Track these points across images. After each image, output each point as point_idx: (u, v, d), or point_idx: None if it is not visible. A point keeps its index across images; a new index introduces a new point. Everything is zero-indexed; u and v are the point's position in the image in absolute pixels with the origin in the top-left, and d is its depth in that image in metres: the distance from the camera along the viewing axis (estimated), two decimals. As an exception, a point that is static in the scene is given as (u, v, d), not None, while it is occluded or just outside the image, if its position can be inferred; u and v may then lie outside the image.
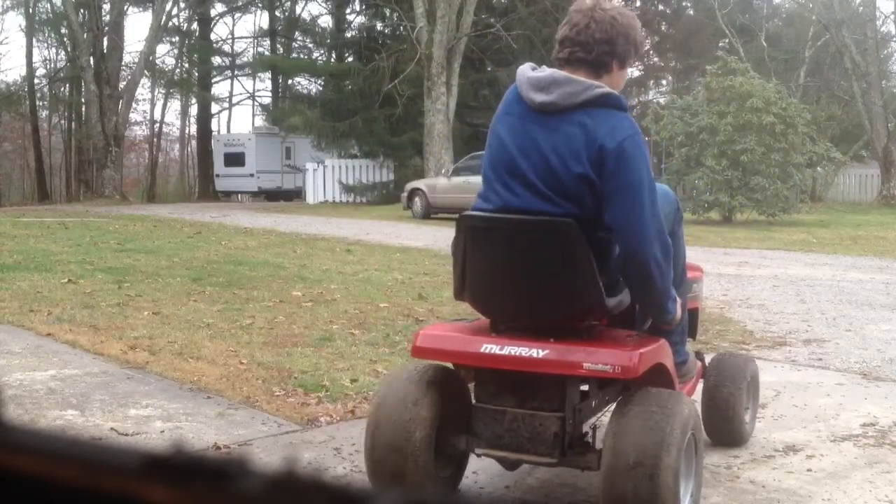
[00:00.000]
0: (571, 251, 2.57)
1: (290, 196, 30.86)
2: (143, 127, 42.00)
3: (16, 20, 59.97)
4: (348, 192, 26.11)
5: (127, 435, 3.49)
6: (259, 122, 40.77)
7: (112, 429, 3.54)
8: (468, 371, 2.86)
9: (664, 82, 37.41)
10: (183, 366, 4.60)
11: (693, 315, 3.51)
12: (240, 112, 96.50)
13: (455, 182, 18.23)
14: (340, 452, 3.35)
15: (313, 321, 5.98)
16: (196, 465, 0.40)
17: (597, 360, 2.55)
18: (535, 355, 2.59)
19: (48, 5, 33.90)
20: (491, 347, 2.65)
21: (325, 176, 26.60)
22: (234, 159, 31.45)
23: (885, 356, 5.37)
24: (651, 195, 2.59)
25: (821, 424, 3.87)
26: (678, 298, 2.82)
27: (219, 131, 39.52)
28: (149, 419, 3.71)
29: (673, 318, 2.81)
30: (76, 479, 0.41)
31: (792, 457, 3.40)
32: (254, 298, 6.91)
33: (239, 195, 33.43)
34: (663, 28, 34.78)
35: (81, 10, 28.78)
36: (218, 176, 32.73)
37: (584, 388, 2.80)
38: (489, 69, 25.22)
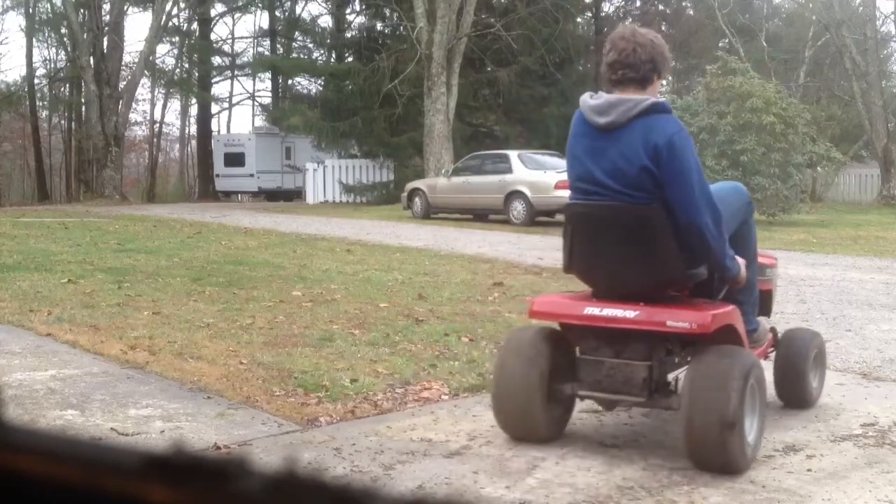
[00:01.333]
0: (656, 231, 3.24)
1: (290, 196, 30.85)
2: (143, 127, 42.06)
3: (16, 20, 60.04)
4: (348, 192, 26.08)
5: (127, 435, 3.49)
6: (259, 122, 40.80)
7: (112, 429, 3.54)
8: (573, 332, 3.47)
9: (664, 82, 37.41)
10: (183, 366, 4.60)
11: (767, 296, 4.16)
12: (240, 112, 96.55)
13: (455, 182, 18.19)
14: (340, 452, 3.35)
15: (313, 321, 5.98)
16: (196, 465, 0.40)
17: (677, 318, 3.17)
18: (627, 315, 3.23)
19: (48, 5, 33.91)
20: (592, 310, 3.31)
21: (325, 176, 26.58)
22: (234, 159, 31.45)
23: (885, 356, 5.37)
24: (699, 176, 3.24)
25: (821, 424, 3.87)
26: (737, 257, 3.41)
27: (219, 131, 39.52)
28: (149, 419, 3.71)
29: (738, 274, 3.42)
30: (76, 479, 0.41)
31: (792, 457, 3.40)
32: (254, 298, 6.91)
33: (239, 195, 33.41)
34: (663, 28, 34.73)
35: (81, 10, 28.78)
36: (218, 176, 32.72)
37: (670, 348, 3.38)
38: (489, 69, 25.14)
